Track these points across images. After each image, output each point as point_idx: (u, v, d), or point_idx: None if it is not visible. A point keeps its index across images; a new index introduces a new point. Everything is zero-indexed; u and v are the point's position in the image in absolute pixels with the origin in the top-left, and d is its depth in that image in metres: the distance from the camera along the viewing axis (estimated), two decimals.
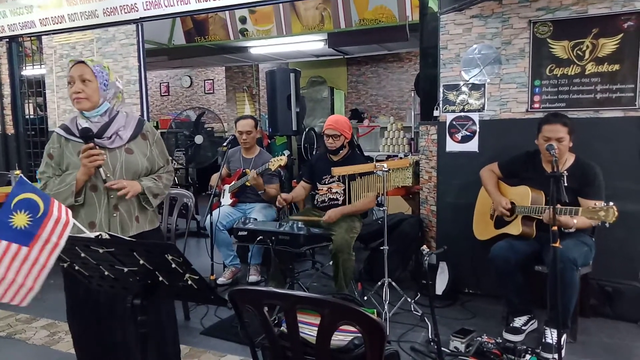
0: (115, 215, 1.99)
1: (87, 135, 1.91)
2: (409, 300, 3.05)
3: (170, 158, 2.26)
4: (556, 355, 2.36)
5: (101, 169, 1.92)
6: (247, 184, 3.82)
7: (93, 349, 2.02)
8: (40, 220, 1.27)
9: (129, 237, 1.99)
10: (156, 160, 2.13)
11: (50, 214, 1.28)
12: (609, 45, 3.03)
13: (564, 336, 2.60)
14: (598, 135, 3.06)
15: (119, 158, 1.99)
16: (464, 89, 3.40)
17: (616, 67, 3.02)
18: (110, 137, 1.99)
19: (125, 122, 2.05)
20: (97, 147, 1.91)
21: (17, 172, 4.24)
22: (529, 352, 2.47)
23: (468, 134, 3.42)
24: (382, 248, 3.00)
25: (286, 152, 3.73)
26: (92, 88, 1.96)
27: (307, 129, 6.74)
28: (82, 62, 1.97)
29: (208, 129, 6.93)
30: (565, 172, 2.63)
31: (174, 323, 2.23)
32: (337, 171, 3.20)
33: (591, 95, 3.10)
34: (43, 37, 4.99)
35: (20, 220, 1.26)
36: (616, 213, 2.33)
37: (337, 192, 3.40)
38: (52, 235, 1.28)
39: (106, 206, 1.98)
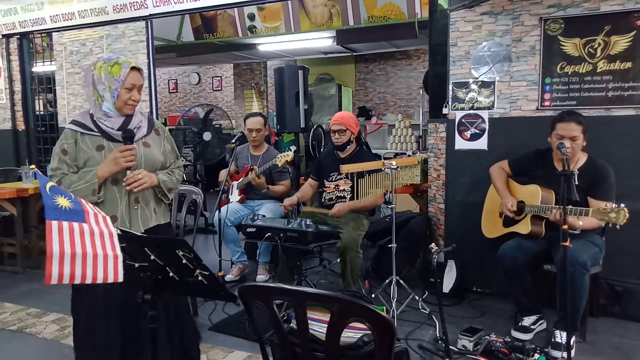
0: (135, 208, 2.02)
1: (128, 136, 1.96)
2: (417, 298, 3.05)
3: (179, 154, 2.30)
4: (565, 355, 2.35)
5: None
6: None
7: (93, 343, 1.99)
8: (77, 199, 1.27)
9: (149, 228, 2.04)
10: (168, 156, 2.17)
11: (78, 197, 1.29)
12: (621, 43, 3.00)
13: (574, 336, 2.58)
14: (609, 134, 3.03)
15: (138, 151, 2.02)
16: (474, 86, 3.39)
17: (628, 64, 2.99)
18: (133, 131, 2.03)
19: (142, 118, 2.10)
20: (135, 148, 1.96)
21: (32, 166, 4.30)
22: (538, 351, 2.45)
23: (477, 131, 3.40)
24: (390, 246, 3.00)
25: (293, 148, 3.72)
26: (141, 94, 2.06)
27: (314, 126, 6.74)
28: (140, 70, 2.04)
29: (216, 125, 6.95)
30: (576, 171, 2.61)
31: (190, 314, 2.27)
32: (346, 169, 3.20)
33: (602, 93, 3.07)
34: (53, 33, 5.03)
35: (64, 202, 1.24)
36: (627, 215, 2.30)
37: (344, 190, 3.40)
38: (95, 209, 1.28)
39: (127, 199, 2.01)
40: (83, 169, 1.98)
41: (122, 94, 1.97)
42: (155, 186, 2.05)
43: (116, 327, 1.96)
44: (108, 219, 1.30)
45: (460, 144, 3.46)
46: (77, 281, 1.18)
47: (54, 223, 1.19)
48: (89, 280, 1.19)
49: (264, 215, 3.44)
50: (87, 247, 1.21)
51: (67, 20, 4.81)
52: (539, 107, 3.22)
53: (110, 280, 1.23)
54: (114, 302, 1.94)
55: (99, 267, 1.22)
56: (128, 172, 1.95)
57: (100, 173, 1.93)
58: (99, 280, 1.21)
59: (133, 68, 1.99)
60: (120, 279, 1.24)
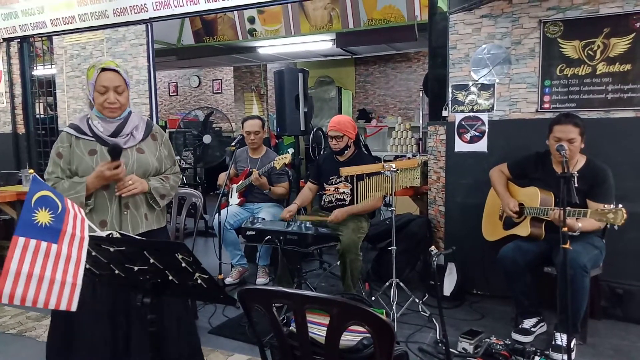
0: (125, 213, 2.02)
1: (116, 152, 1.92)
2: (417, 300, 3.05)
3: (177, 158, 2.28)
4: (565, 357, 2.34)
5: None
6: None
7: (69, 345, 2.00)
8: (62, 216, 1.25)
9: (139, 234, 2.02)
10: (164, 161, 2.16)
11: (67, 210, 1.27)
12: (620, 45, 3.00)
13: (574, 339, 2.57)
14: (609, 136, 3.03)
15: (130, 157, 2.02)
16: (473, 89, 3.39)
17: (628, 67, 2.99)
18: (126, 137, 2.02)
19: (138, 123, 2.09)
20: (122, 163, 1.93)
21: (31, 170, 4.29)
22: (538, 353, 2.45)
23: (477, 134, 3.40)
24: (390, 248, 3.00)
25: (290, 150, 3.72)
26: (125, 96, 2.01)
27: (314, 129, 6.73)
28: (115, 70, 1.96)
29: (216, 128, 6.97)
30: (575, 173, 2.61)
31: (190, 322, 2.26)
32: (345, 171, 3.20)
33: (602, 95, 3.07)
34: (54, 37, 5.04)
35: (43, 217, 1.22)
36: (625, 216, 2.31)
37: (344, 192, 3.40)
38: (75, 230, 1.26)
39: (117, 205, 2.00)
40: (75, 177, 1.98)
41: (95, 97, 1.96)
42: (146, 192, 2.04)
43: (108, 332, 1.97)
44: (86, 242, 1.28)
45: (460, 146, 3.46)
46: (28, 304, 1.16)
47: (21, 240, 1.18)
48: (40, 305, 1.18)
49: (264, 218, 3.43)
50: (47, 270, 1.20)
51: (68, 23, 4.82)
52: (539, 110, 3.22)
53: (63, 308, 1.21)
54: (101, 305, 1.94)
55: (53, 293, 1.20)
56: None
57: (90, 185, 1.93)
58: (51, 307, 1.19)
59: (104, 69, 1.94)
60: (74, 308, 1.22)
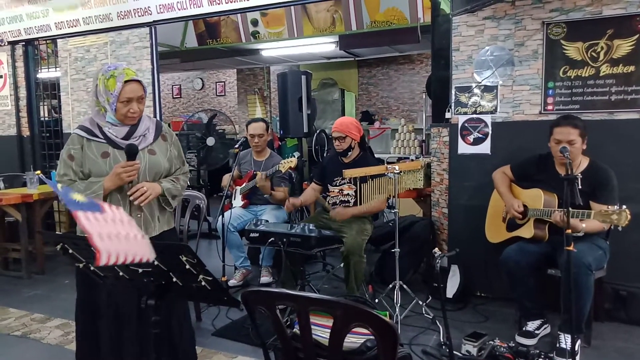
0: (139, 215, 2.02)
1: (132, 152, 1.93)
2: (421, 303, 3.04)
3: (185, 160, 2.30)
4: None
5: None
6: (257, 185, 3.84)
7: (96, 347, 2.02)
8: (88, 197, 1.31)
9: (152, 236, 2.03)
10: (174, 162, 2.17)
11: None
12: (624, 47, 2.99)
13: (578, 341, 2.56)
14: (612, 138, 3.02)
15: (142, 159, 2.02)
16: (476, 90, 3.39)
17: (631, 68, 2.99)
18: (138, 139, 2.03)
19: (149, 124, 2.10)
20: (138, 163, 1.95)
21: (38, 172, 4.33)
22: (542, 356, 2.44)
23: (480, 136, 3.40)
24: (393, 250, 3.00)
25: (296, 154, 3.72)
26: (143, 103, 2.04)
27: (317, 131, 6.74)
28: (138, 80, 1.98)
29: (219, 131, 6.98)
30: (579, 174, 2.60)
31: (189, 323, 2.26)
32: (349, 173, 3.20)
33: (605, 97, 3.07)
34: (58, 40, 5.06)
35: (78, 197, 1.28)
36: (629, 217, 2.31)
37: (348, 194, 3.40)
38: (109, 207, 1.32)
39: (130, 207, 2.01)
40: (90, 178, 1.98)
41: (119, 107, 1.96)
42: (159, 195, 2.05)
43: (118, 332, 1.98)
44: (121, 209, 1.33)
45: (463, 148, 3.46)
46: (121, 260, 1.18)
47: (80, 213, 1.22)
48: (129, 259, 1.21)
49: (267, 221, 3.44)
50: (116, 229, 1.24)
51: (72, 27, 4.84)
52: (542, 111, 3.22)
53: (145, 259, 1.24)
54: (117, 307, 1.95)
55: (134, 245, 1.25)
56: (129, 184, 1.96)
57: (107, 185, 1.94)
58: (137, 260, 1.22)
59: (127, 81, 1.95)
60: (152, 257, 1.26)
